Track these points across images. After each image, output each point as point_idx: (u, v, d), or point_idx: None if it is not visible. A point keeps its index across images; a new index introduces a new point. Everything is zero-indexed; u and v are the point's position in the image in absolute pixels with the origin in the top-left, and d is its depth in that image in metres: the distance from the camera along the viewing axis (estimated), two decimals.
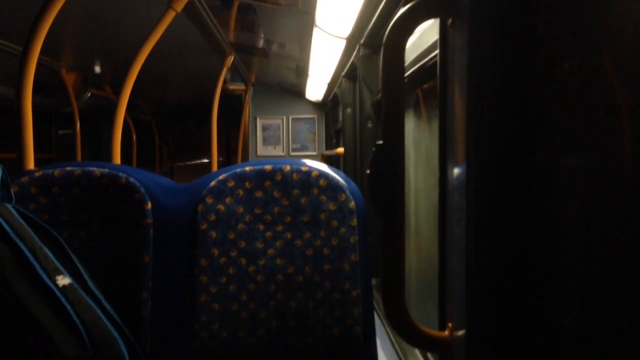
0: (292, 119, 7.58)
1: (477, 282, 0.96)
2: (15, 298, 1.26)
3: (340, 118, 4.86)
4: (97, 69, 5.79)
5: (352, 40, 3.36)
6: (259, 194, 1.67)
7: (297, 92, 7.22)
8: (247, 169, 1.68)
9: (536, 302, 0.93)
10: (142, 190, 1.65)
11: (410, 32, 1.14)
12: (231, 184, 1.66)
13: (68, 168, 1.67)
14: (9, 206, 1.42)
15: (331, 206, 1.65)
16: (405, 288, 1.18)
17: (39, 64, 2.11)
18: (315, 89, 6.18)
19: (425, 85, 2.40)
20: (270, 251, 1.65)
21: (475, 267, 0.96)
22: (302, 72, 5.45)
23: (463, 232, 1.00)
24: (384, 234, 1.16)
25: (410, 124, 2.68)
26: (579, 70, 0.81)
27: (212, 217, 1.65)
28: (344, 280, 1.64)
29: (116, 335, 1.36)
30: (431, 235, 2.31)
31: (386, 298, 1.17)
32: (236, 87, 6.87)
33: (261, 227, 1.66)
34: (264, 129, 7.58)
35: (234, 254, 1.64)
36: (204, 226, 1.64)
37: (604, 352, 0.77)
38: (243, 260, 1.64)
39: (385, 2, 2.36)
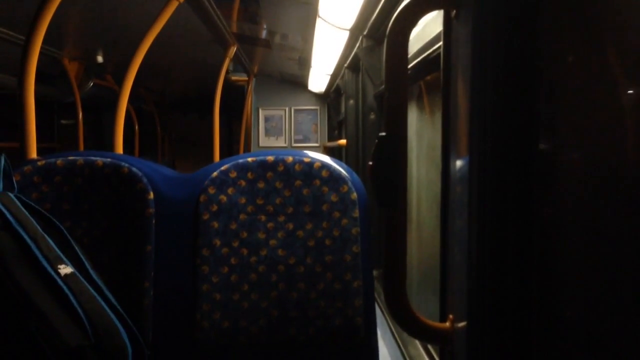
0: (295, 110, 7.57)
1: (478, 274, 0.96)
2: (18, 287, 1.27)
3: (343, 109, 4.86)
4: (100, 58, 5.78)
5: (355, 32, 3.35)
6: (261, 184, 1.67)
7: (299, 83, 7.21)
8: (249, 159, 1.68)
9: (537, 295, 0.93)
10: (145, 180, 1.66)
11: (414, 23, 1.13)
12: (233, 174, 1.67)
13: (70, 157, 1.68)
14: (12, 195, 1.43)
15: (333, 197, 1.66)
16: (406, 279, 1.18)
17: (41, 54, 2.10)
18: (318, 80, 6.16)
19: (429, 77, 2.39)
20: (272, 242, 1.65)
21: (476, 259, 0.96)
22: (304, 63, 5.44)
23: (465, 224, 1.00)
24: (385, 225, 1.16)
25: (413, 116, 2.68)
26: (582, 62, 0.81)
27: (214, 208, 1.65)
28: (346, 271, 1.64)
29: (118, 324, 1.37)
30: (433, 227, 2.31)
31: (387, 289, 1.17)
32: (239, 77, 6.86)
33: (263, 217, 1.66)
34: (266, 120, 7.57)
35: (235, 244, 1.64)
36: (206, 216, 1.64)
37: (604, 346, 0.77)
38: (245, 251, 1.64)
39: None
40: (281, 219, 1.66)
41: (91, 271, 1.43)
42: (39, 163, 1.66)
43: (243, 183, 1.66)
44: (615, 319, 0.74)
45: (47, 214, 1.46)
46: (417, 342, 2.31)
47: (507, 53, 0.93)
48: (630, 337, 0.70)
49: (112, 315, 1.37)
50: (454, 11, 1.07)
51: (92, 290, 1.37)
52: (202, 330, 1.61)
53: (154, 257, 1.63)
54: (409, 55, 1.62)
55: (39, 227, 1.38)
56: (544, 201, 0.91)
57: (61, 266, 1.35)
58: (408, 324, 1.17)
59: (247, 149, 7.42)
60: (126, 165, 1.67)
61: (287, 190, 1.66)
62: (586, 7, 0.81)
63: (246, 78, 6.90)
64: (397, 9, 1.13)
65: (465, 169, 1.00)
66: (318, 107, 7.55)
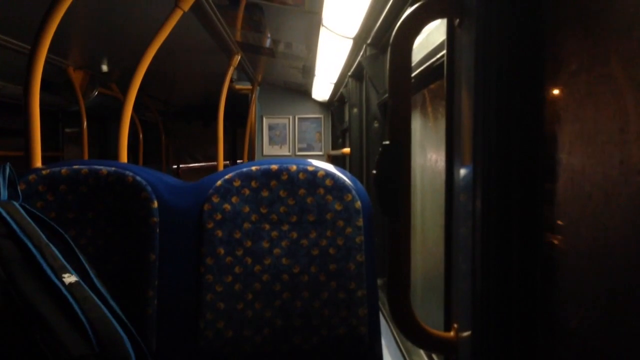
0: (299, 118, 7.57)
1: (483, 283, 0.95)
2: (22, 295, 1.27)
3: (347, 118, 4.86)
4: (105, 67, 5.81)
5: (358, 40, 3.36)
6: (265, 193, 1.67)
7: (303, 91, 7.22)
8: (253, 168, 1.68)
9: (542, 304, 0.92)
10: (149, 189, 1.66)
11: (417, 32, 1.14)
12: (237, 183, 1.67)
13: (75, 166, 1.68)
14: (16, 204, 1.43)
15: (337, 206, 1.65)
16: (410, 288, 1.18)
17: (46, 63, 2.11)
18: (322, 88, 6.17)
19: (432, 86, 2.39)
20: (276, 250, 1.65)
21: (481, 268, 0.95)
22: (308, 72, 5.45)
23: (469, 233, 0.99)
24: (389, 234, 1.16)
25: (417, 124, 2.68)
26: (586, 70, 0.81)
27: (218, 216, 1.65)
28: (350, 280, 1.63)
29: (122, 333, 1.36)
30: (437, 236, 2.31)
31: (392, 298, 1.17)
32: (243, 86, 6.88)
33: (267, 226, 1.66)
34: (270, 128, 7.58)
35: (239, 253, 1.64)
36: (210, 225, 1.64)
37: (609, 355, 0.77)
38: (249, 260, 1.64)
39: (393, 2, 2.35)
40: (285, 227, 1.66)
41: (95, 280, 1.43)
42: (44, 172, 1.67)
43: (247, 192, 1.67)
44: (622, 328, 0.73)
45: (51, 223, 1.46)
46: (422, 352, 2.30)
47: (511, 61, 0.93)
48: (636, 347, 0.70)
49: (116, 324, 1.37)
50: (457, 20, 1.07)
51: (96, 299, 1.37)
52: (206, 339, 1.61)
53: (158, 266, 1.63)
54: (413, 64, 1.62)
55: (43, 236, 1.39)
56: (548, 210, 0.91)
57: (65, 275, 1.35)
58: (412, 333, 1.17)
59: (251, 158, 7.43)
60: (130, 174, 1.67)
61: (291, 199, 1.66)
62: (591, 16, 0.81)
63: (250, 87, 6.92)
64: (400, 18, 1.14)
65: (469, 177, 1.00)
66: (322, 116, 7.56)
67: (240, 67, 5.43)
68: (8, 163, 1.51)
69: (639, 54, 0.69)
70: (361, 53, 3.39)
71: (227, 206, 1.65)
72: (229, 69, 4.80)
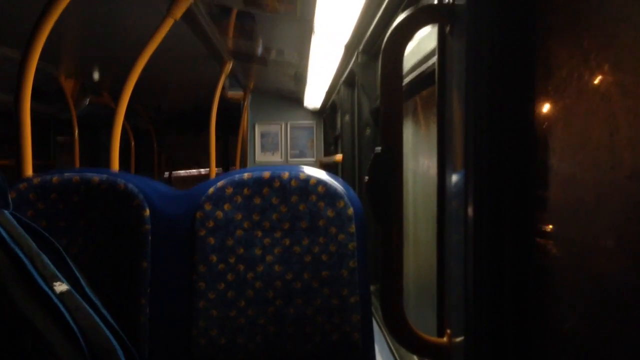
0: (291, 125, 7.58)
1: (475, 288, 0.96)
2: (13, 305, 1.26)
3: (339, 125, 4.87)
4: (96, 76, 5.80)
5: (350, 47, 3.37)
6: (257, 200, 1.66)
7: (295, 99, 7.22)
8: (246, 175, 1.68)
9: (535, 309, 0.93)
10: (141, 196, 1.65)
11: (408, 38, 1.14)
12: (229, 190, 1.66)
13: (66, 174, 1.67)
14: (7, 212, 1.42)
15: (329, 213, 1.65)
16: (403, 294, 1.18)
17: (37, 71, 2.11)
18: (314, 95, 6.18)
19: (424, 92, 2.40)
20: (269, 257, 1.64)
21: (473, 274, 0.96)
22: (300, 79, 5.46)
23: (461, 239, 1.00)
24: (382, 241, 1.16)
25: (408, 131, 2.68)
26: (576, 76, 0.81)
27: (211, 224, 1.64)
28: (343, 286, 1.63)
29: (114, 342, 1.36)
30: (429, 242, 2.31)
31: (385, 304, 1.17)
32: (235, 94, 6.88)
33: (259, 233, 1.66)
34: (263, 135, 7.58)
35: (232, 260, 1.64)
36: (203, 233, 1.64)
37: (602, 358, 0.77)
38: (241, 267, 1.64)
39: (384, 9, 2.37)
40: (277, 234, 1.66)
41: (87, 288, 1.42)
42: (35, 180, 1.66)
43: (239, 199, 1.66)
44: (616, 331, 0.74)
45: (42, 232, 1.45)
46: (415, 358, 2.30)
47: (502, 68, 0.94)
48: (631, 351, 0.70)
49: (108, 333, 1.36)
50: (448, 26, 1.08)
51: (88, 308, 1.36)
52: (198, 347, 1.60)
53: (150, 274, 1.63)
54: (405, 70, 1.63)
55: (34, 245, 1.37)
56: (540, 215, 0.91)
57: (57, 284, 1.34)
58: (406, 339, 1.16)
59: (244, 165, 7.43)
60: (122, 181, 1.67)
61: (283, 206, 1.66)
62: (581, 22, 0.81)
63: (242, 94, 6.92)
64: (392, 24, 1.14)
65: (461, 183, 1.00)
66: (314, 123, 7.57)
67: (232, 75, 5.44)
68: None
69: (628, 60, 0.69)
70: (353, 60, 3.40)
71: (220, 213, 1.65)
72: (221, 76, 4.80)
